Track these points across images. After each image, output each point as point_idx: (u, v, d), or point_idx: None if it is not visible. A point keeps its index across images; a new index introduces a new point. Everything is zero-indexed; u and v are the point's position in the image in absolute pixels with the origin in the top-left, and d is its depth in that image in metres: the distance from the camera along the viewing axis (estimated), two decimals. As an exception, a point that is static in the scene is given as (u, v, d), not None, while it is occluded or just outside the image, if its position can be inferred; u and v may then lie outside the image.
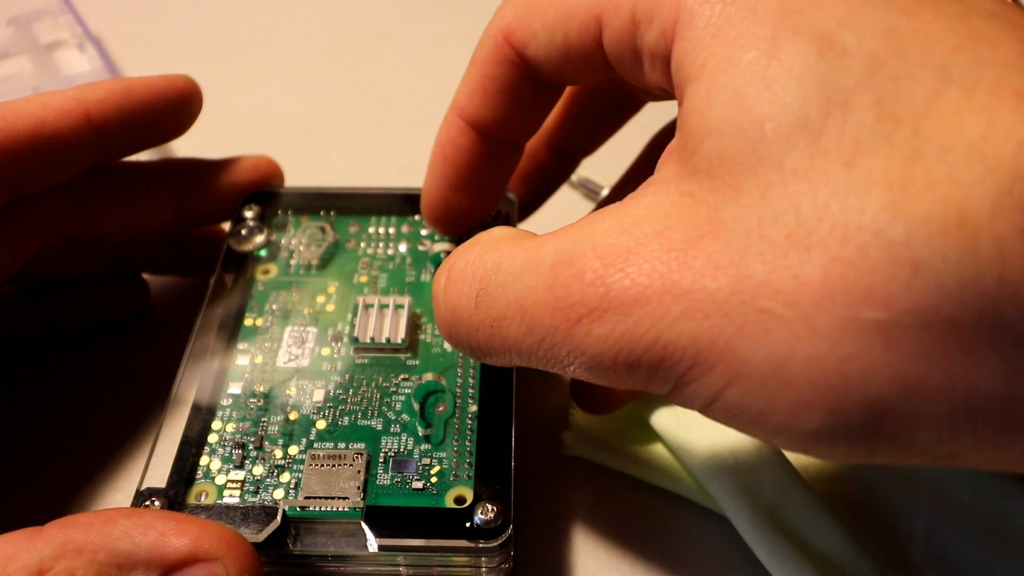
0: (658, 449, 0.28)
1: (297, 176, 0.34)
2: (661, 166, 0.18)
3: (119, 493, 0.27)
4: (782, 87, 0.15)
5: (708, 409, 0.16)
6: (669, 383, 0.17)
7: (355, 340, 0.26)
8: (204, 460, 0.23)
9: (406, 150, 0.39)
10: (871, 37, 0.15)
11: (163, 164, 0.30)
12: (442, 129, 0.26)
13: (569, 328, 0.17)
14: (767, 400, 0.15)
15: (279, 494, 0.23)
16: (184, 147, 0.38)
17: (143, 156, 0.31)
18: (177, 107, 0.28)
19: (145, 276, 0.32)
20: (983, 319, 0.13)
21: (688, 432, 0.26)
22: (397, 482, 0.23)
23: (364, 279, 0.28)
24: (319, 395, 0.25)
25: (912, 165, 0.14)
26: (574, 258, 0.17)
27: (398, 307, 0.26)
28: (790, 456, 0.26)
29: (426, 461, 0.23)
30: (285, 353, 0.26)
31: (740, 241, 0.15)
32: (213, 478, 0.23)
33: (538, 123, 0.26)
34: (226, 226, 0.30)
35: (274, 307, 0.27)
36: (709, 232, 0.16)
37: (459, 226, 0.27)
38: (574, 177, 0.36)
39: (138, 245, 0.31)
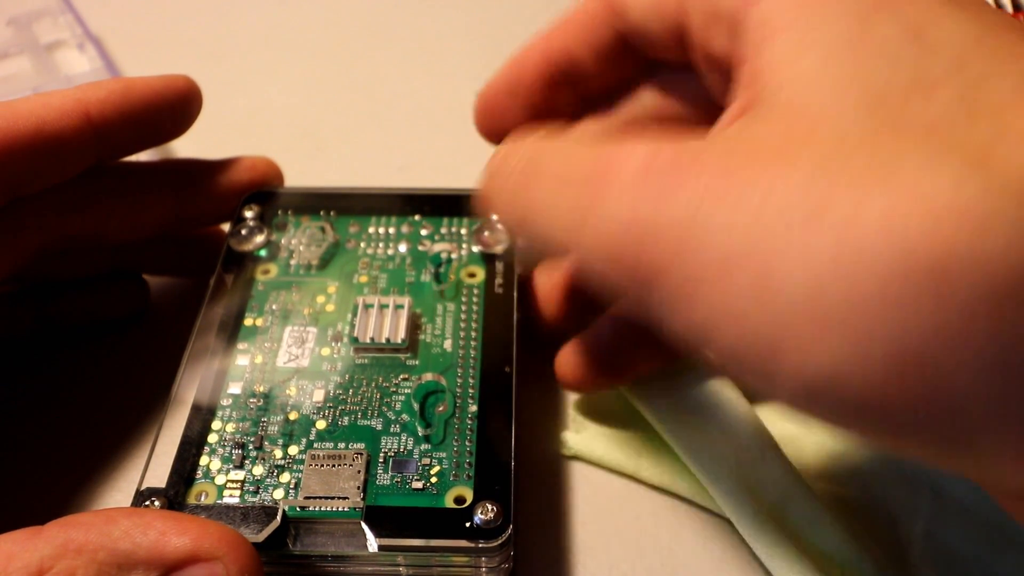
0: (659, 449, 0.27)
1: (297, 176, 0.34)
2: (726, 117, 0.19)
3: (119, 493, 0.27)
4: (873, 62, 0.16)
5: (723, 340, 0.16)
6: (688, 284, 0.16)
7: (355, 340, 0.26)
8: (204, 460, 0.23)
9: (406, 150, 0.39)
10: (960, 39, 0.16)
11: (162, 164, 0.30)
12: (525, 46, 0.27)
13: (598, 194, 0.18)
14: (791, 324, 0.15)
15: (279, 494, 0.23)
16: (184, 147, 0.38)
17: (143, 156, 0.31)
18: (177, 107, 0.28)
19: (145, 276, 0.32)
20: None
21: (690, 432, 0.26)
22: (397, 482, 0.23)
23: (364, 279, 0.28)
24: (319, 395, 0.25)
25: (992, 145, 0.14)
26: (625, 142, 0.18)
27: (398, 307, 0.26)
28: (791, 456, 0.26)
29: (426, 461, 0.23)
30: (285, 353, 0.26)
31: (806, 171, 0.15)
32: (213, 478, 0.23)
33: (607, 87, 0.26)
34: (226, 226, 0.30)
35: (274, 307, 0.27)
36: (776, 160, 0.16)
37: (495, 129, 0.28)
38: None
39: (138, 245, 0.31)
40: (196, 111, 0.29)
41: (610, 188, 0.17)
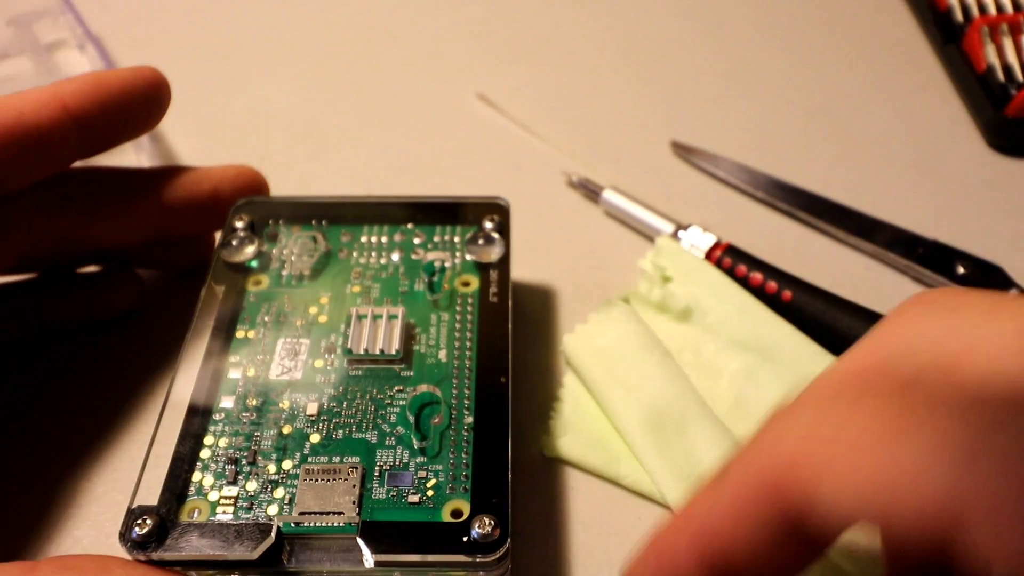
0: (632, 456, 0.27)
1: (299, 175, 0.34)
2: None
3: (109, 499, 0.27)
4: None
5: None
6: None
7: (348, 352, 0.25)
8: (197, 476, 0.23)
9: (408, 150, 0.39)
10: None
11: (147, 171, 0.30)
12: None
13: None
14: None
15: (273, 510, 0.22)
16: (184, 146, 0.38)
17: (143, 158, 0.31)
18: (149, 96, 0.28)
19: (138, 273, 0.32)
20: None
21: (665, 439, 0.26)
22: (393, 496, 0.23)
23: (357, 289, 0.28)
24: (312, 408, 0.25)
25: None
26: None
27: (391, 317, 0.26)
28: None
29: (422, 474, 0.23)
30: (278, 366, 0.26)
31: None
32: (206, 494, 0.23)
33: None
34: (218, 234, 0.30)
35: (266, 319, 0.27)
36: None
37: None
38: (574, 177, 0.36)
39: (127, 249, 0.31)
40: (167, 101, 0.29)
41: None
